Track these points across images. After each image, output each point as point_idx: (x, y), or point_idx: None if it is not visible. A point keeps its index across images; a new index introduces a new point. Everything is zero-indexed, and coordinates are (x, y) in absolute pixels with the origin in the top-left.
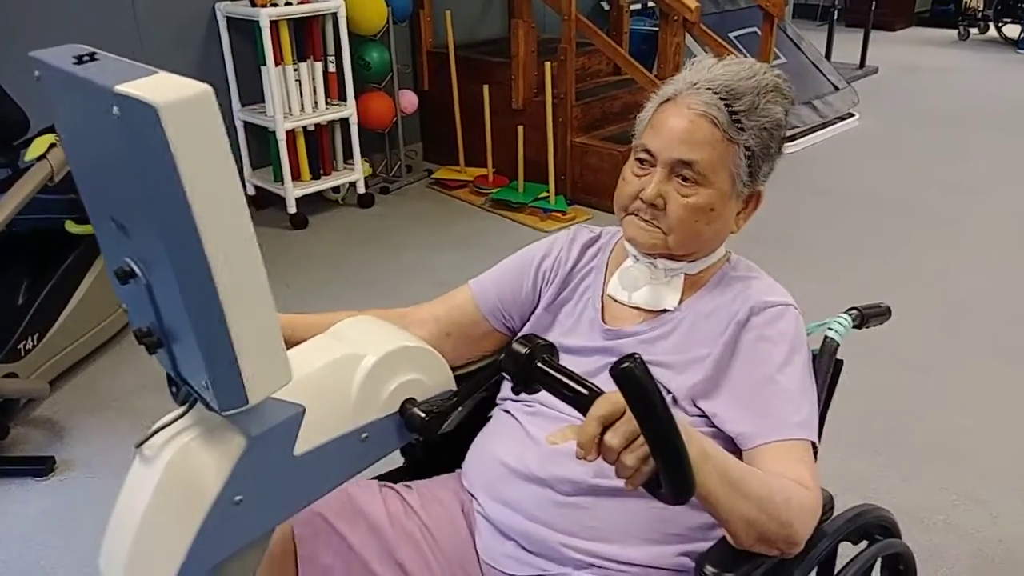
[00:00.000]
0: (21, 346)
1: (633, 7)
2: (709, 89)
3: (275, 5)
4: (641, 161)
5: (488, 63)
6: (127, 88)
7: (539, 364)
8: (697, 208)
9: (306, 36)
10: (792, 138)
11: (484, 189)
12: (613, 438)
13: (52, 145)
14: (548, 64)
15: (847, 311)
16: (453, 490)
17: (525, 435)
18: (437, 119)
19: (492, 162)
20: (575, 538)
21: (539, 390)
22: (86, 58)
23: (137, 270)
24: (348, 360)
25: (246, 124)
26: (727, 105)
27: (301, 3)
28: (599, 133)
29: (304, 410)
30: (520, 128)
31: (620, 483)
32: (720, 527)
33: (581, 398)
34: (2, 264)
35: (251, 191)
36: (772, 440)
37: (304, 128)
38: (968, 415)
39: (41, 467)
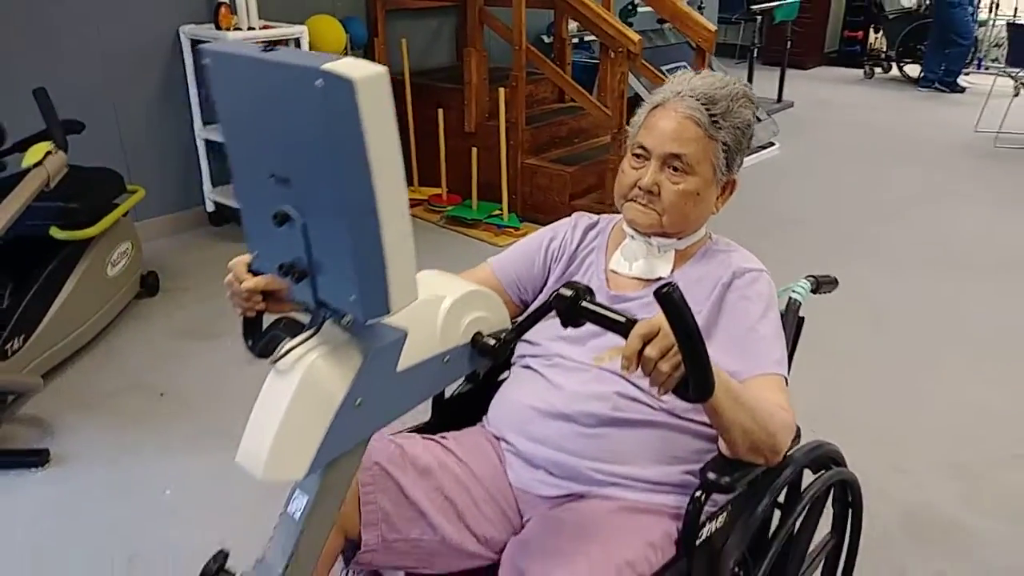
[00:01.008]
0: (8, 347)
1: (573, 40)
2: (692, 96)
3: (239, 29)
4: (637, 156)
5: (442, 88)
6: (331, 66)
7: (583, 304)
8: (686, 193)
9: None
10: None
11: (439, 207)
12: (652, 350)
13: (48, 152)
14: (502, 90)
15: (805, 277)
16: (481, 435)
17: (547, 383)
18: None
19: (446, 182)
20: (599, 462)
21: (583, 324)
22: (269, 48)
23: (294, 214)
24: (432, 301)
25: (207, 142)
26: (707, 109)
27: (264, 28)
28: (547, 155)
29: (407, 333)
30: (473, 150)
31: (635, 415)
32: (712, 444)
33: (622, 325)
34: None
35: (211, 208)
36: (756, 374)
37: None
38: (889, 400)
39: (36, 459)
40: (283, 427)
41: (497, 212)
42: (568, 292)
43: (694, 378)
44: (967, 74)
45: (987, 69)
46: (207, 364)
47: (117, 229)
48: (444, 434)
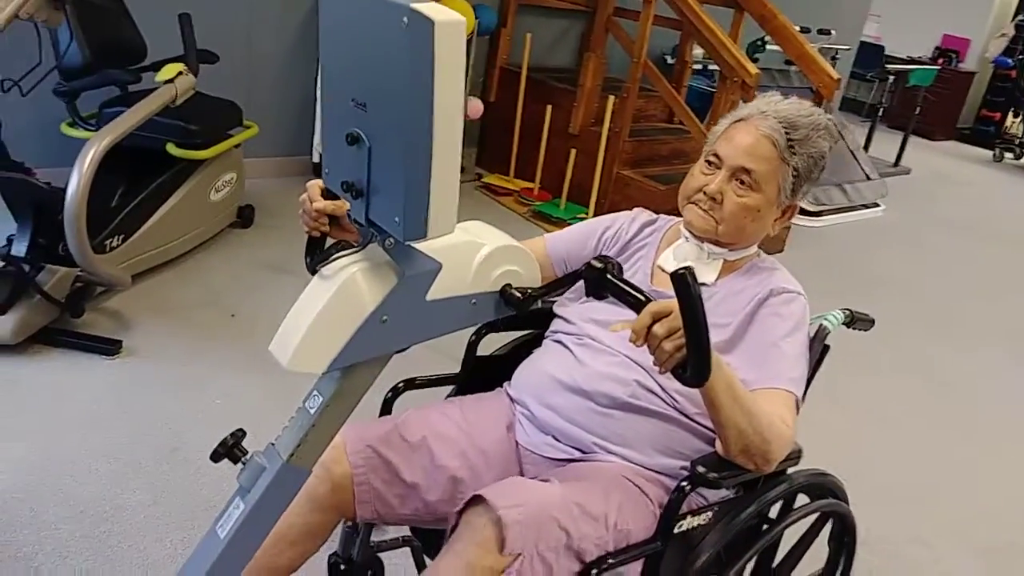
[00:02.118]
0: (108, 243)
1: (695, 66)
2: (775, 117)
3: None
4: (709, 163)
5: (555, 87)
6: (417, 6)
7: (609, 276)
8: (747, 207)
9: None
10: (818, 214)
11: (528, 200)
12: (659, 328)
13: (180, 72)
14: (611, 98)
15: (840, 309)
16: (496, 401)
17: (574, 359)
18: (496, 129)
19: (540, 178)
20: (606, 441)
21: (606, 296)
22: None
23: (364, 137)
24: (472, 245)
25: None
26: (786, 132)
27: None
28: (644, 170)
29: (441, 267)
30: (573, 151)
31: (648, 405)
32: (712, 446)
33: (639, 302)
34: (105, 169)
35: (316, 158)
36: (768, 386)
37: None
38: (927, 470)
39: (111, 347)
40: (314, 325)
41: (583, 215)
42: (598, 264)
43: (693, 361)
44: None
45: None
46: (281, 296)
47: (227, 158)
48: (452, 400)
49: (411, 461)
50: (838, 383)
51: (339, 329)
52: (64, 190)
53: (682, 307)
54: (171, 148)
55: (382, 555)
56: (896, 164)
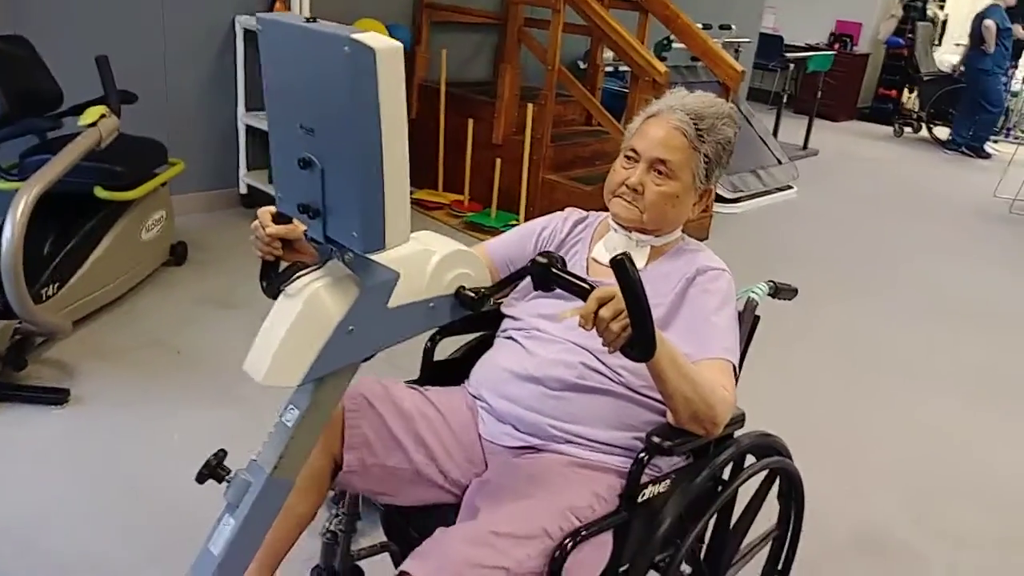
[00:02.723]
0: (44, 291)
1: (606, 69)
2: (682, 111)
3: None
4: (628, 158)
5: (474, 100)
6: (358, 36)
7: (554, 270)
8: (667, 195)
9: None
10: (736, 200)
11: (459, 212)
12: (605, 312)
13: (102, 115)
14: (530, 106)
15: (766, 282)
16: (460, 394)
17: (524, 351)
18: (420, 146)
19: (469, 189)
20: (559, 421)
21: (554, 288)
22: (311, 20)
23: (315, 160)
24: (425, 252)
25: (248, 127)
26: (694, 123)
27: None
28: (568, 173)
29: (398, 275)
30: (498, 161)
31: (596, 384)
32: (662, 417)
33: (584, 290)
34: (34, 217)
35: (244, 190)
36: (706, 357)
37: None
38: (854, 426)
39: (58, 396)
40: (285, 341)
41: (514, 222)
42: (543, 259)
43: (638, 339)
44: (995, 141)
45: (1016, 138)
46: (223, 330)
47: (155, 197)
48: (427, 387)
49: (397, 421)
50: (768, 351)
51: (309, 343)
52: None
53: (623, 290)
54: (99, 191)
55: (362, 563)
56: (804, 147)
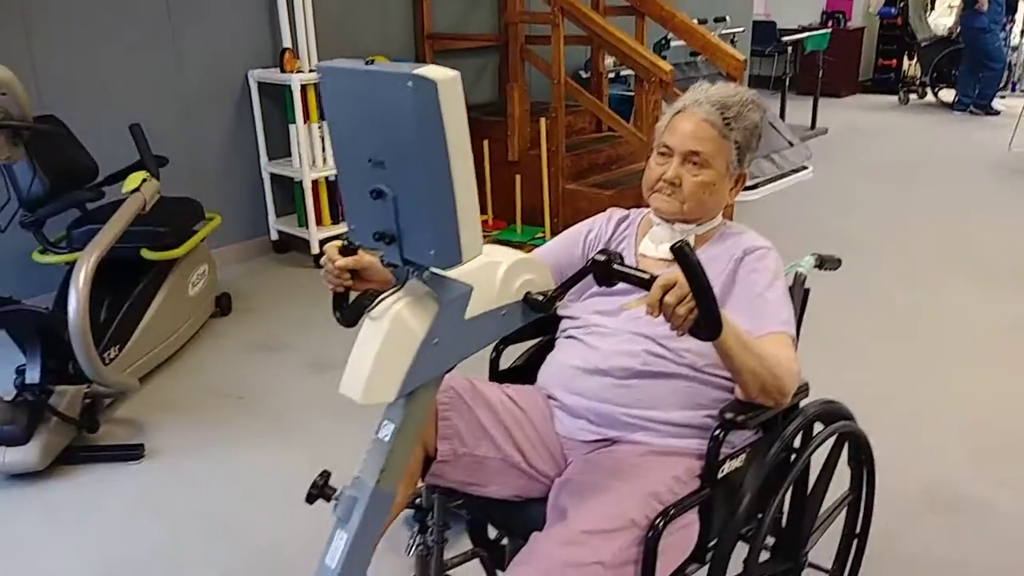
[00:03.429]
0: (106, 355)
1: (609, 75)
2: (708, 103)
3: (301, 72)
4: (662, 154)
5: (485, 121)
6: (419, 71)
7: (615, 266)
8: (704, 184)
9: None
10: (753, 187)
11: (485, 232)
12: (670, 297)
13: (144, 180)
14: (543, 120)
15: (811, 254)
16: (535, 391)
17: (587, 346)
18: None
19: (492, 208)
20: (631, 408)
21: (615, 283)
22: (370, 62)
23: (387, 190)
24: (492, 264)
25: (272, 176)
26: (720, 113)
27: None
28: (587, 180)
29: (472, 288)
30: (517, 177)
31: (662, 369)
32: (729, 394)
33: (647, 280)
34: None
35: (275, 236)
36: (765, 332)
37: (326, 178)
38: (908, 389)
39: (134, 452)
40: (377, 360)
41: (540, 234)
42: (602, 257)
43: (705, 319)
44: (1001, 97)
45: (1022, 91)
46: (276, 372)
47: (197, 253)
48: (508, 385)
49: (487, 414)
50: (815, 322)
51: (399, 359)
52: (63, 312)
53: (686, 273)
54: (146, 253)
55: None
56: (813, 127)
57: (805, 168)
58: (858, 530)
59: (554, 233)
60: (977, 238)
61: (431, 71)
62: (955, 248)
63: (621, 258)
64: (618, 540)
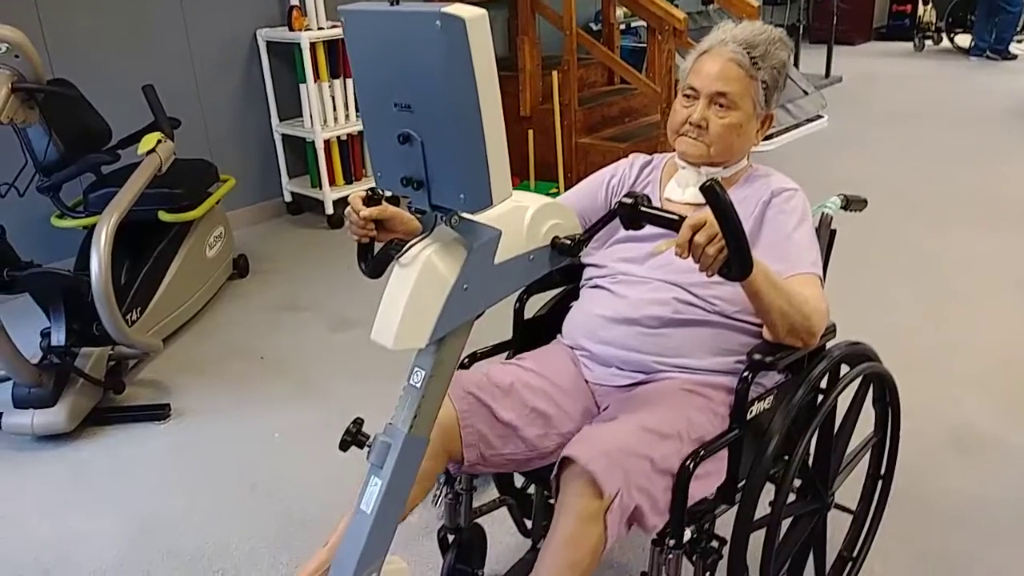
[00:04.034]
0: (128, 317)
1: (620, 27)
2: (734, 42)
3: (309, 29)
4: (687, 96)
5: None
6: (447, 9)
7: (642, 208)
8: (731, 126)
9: (338, 55)
10: (768, 138)
11: None
12: (700, 237)
13: (159, 141)
14: (555, 74)
15: (837, 195)
16: (557, 348)
17: (614, 295)
18: None
19: None
20: (662, 356)
21: (643, 226)
22: (395, 1)
23: (415, 135)
24: (519, 208)
25: (284, 137)
26: (747, 52)
27: (333, 27)
28: (600, 134)
29: (501, 233)
30: (530, 132)
31: (691, 316)
32: (759, 340)
33: (675, 222)
34: None
35: (288, 198)
36: (793, 273)
37: (338, 138)
38: (935, 333)
39: (160, 412)
40: (408, 306)
41: (555, 190)
42: (629, 200)
43: (735, 258)
44: (1018, 41)
45: None
46: (297, 332)
47: (213, 215)
48: (522, 355)
49: (505, 404)
50: (837, 264)
51: (430, 305)
52: (85, 274)
53: (716, 213)
54: (163, 215)
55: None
56: (827, 75)
57: (820, 117)
58: (883, 471)
59: (568, 188)
60: (998, 183)
61: (460, 8)
62: (976, 192)
63: (649, 200)
64: (668, 446)
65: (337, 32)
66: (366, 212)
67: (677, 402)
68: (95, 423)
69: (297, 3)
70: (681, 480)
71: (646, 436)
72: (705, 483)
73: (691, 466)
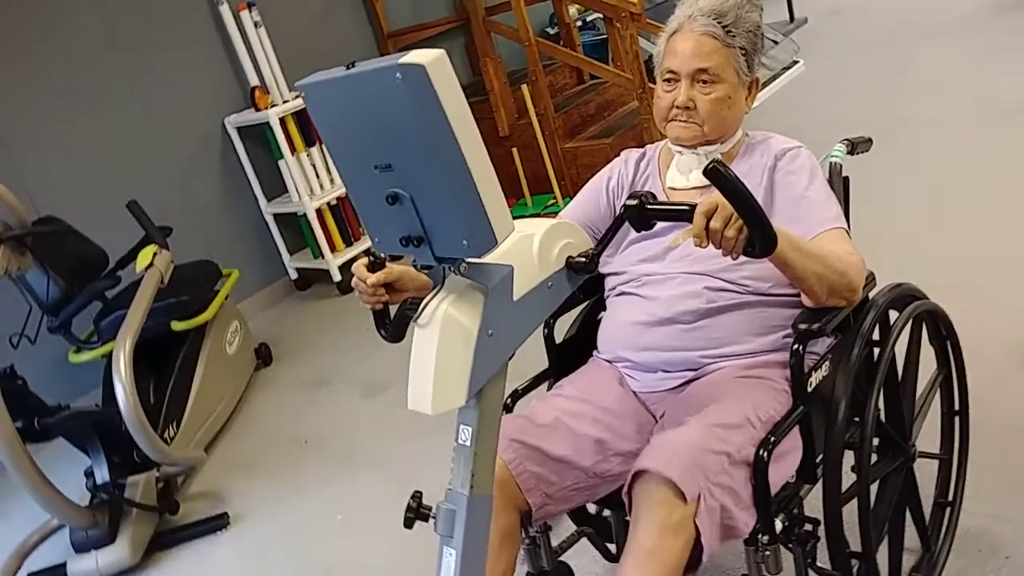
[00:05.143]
0: (166, 435)
1: (576, 24)
2: (702, 15)
3: (275, 105)
4: (667, 80)
5: (470, 104)
6: (403, 60)
7: (648, 206)
8: (719, 100)
9: (309, 124)
10: None
11: None
12: (715, 222)
13: (155, 254)
14: (524, 87)
15: (840, 141)
16: (596, 368)
17: (643, 299)
18: None
19: None
20: (706, 349)
21: (654, 225)
22: (351, 65)
23: (403, 193)
24: (525, 238)
25: (275, 216)
26: (718, 22)
27: (297, 98)
28: (584, 135)
29: (513, 268)
30: (514, 150)
31: (727, 303)
32: (796, 309)
33: (686, 212)
34: None
35: (293, 275)
36: (817, 232)
37: (328, 204)
38: (966, 254)
39: (219, 522)
40: (438, 368)
41: (552, 200)
42: (633, 201)
43: (757, 234)
44: None
45: None
46: (333, 406)
47: (225, 312)
48: (561, 384)
49: (553, 440)
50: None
51: (460, 360)
52: (114, 404)
53: (727, 192)
54: (175, 325)
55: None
56: (791, 19)
57: (797, 63)
58: (957, 406)
59: (564, 196)
60: (989, 83)
61: (417, 56)
62: (972, 98)
63: (653, 196)
64: (740, 435)
65: (301, 103)
66: (373, 279)
67: (736, 390)
68: (159, 548)
69: (257, 83)
70: (759, 470)
71: (716, 431)
72: (784, 466)
73: (765, 455)
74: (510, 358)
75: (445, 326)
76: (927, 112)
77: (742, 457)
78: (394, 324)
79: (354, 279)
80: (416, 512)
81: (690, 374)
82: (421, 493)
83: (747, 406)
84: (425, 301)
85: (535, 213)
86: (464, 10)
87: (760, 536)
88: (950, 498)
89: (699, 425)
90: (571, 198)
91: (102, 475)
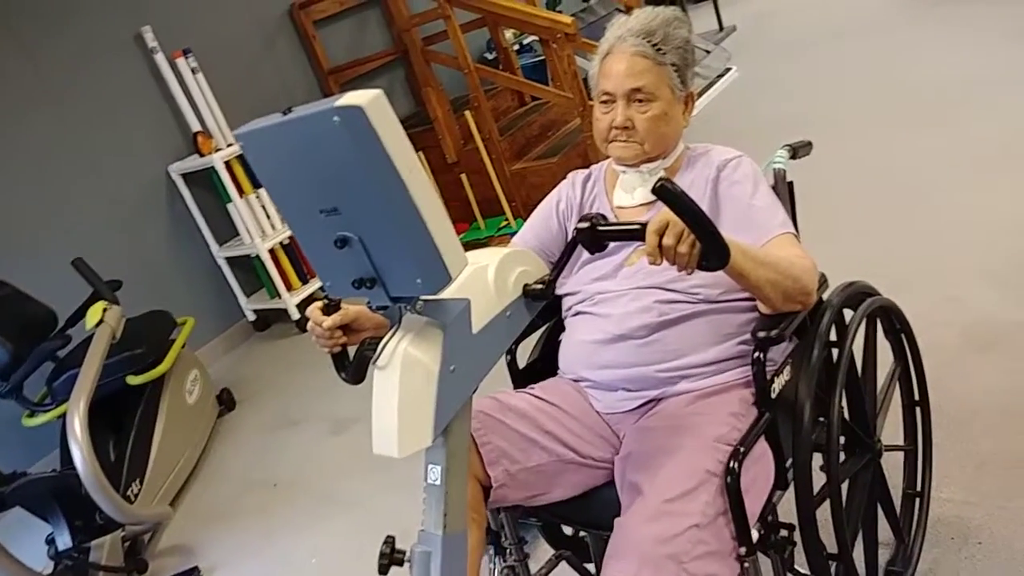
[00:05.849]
0: (129, 494)
1: (514, 48)
2: (631, 35)
3: (219, 149)
4: (604, 102)
5: (414, 134)
6: (340, 102)
7: (600, 228)
8: (656, 117)
9: None
10: None
11: None
12: (668, 238)
13: (105, 309)
14: (468, 113)
15: (782, 147)
16: (562, 382)
17: (597, 317)
18: None
19: (449, 213)
20: (663, 363)
21: (607, 246)
22: (287, 110)
23: (351, 235)
24: (479, 269)
25: (228, 259)
26: (648, 41)
27: None
28: (530, 156)
29: (469, 301)
30: (463, 176)
31: (679, 313)
32: (753, 313)
33: (638, 231)
34: None
35: (251, 317)
36: (766, 239)
37: (281, 244)
38: (912, 243)
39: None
40: (401, 410)
41: (504, 222)
42: (585, 224)
43: (710, 248)
44: None
45: None
46: (300, 446)
47: (182, 361)
48: (531, 386)
49: (521, 423)
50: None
51: (423, 400)
52: (71, 467)
53: (676, 210)
54: (131, 379)
55: None
56: (720, 28)
57: (730, 70)
58: (917, 397)
59: (516, 217)
60: (915, 74)
61: (352, 97)
62: (900, 91)
63: (604, 218)
64: (702, 496)
65: None
66: (328, 322)
67: (696, 427)
68: None
69: (199, 128)
70: (733, 489)
71: (676, 506)
72: (759, 491)
73: (736, 466)
74: (474, 391)
75: (405, 366)
76: (858, 108)
77: (711, 515)
78: (354, 366)
79: (309, 323)
80: (390, 558)
81: (652, 393)
82: (394, 538)
83: (708, 451)
84: (383, 342)
85: (489, 236)
86: (402, 42)
87: (738, 548)
88: (919, 488)
89: (654, 507)
90: (523, 219)
91: (64, 541)
